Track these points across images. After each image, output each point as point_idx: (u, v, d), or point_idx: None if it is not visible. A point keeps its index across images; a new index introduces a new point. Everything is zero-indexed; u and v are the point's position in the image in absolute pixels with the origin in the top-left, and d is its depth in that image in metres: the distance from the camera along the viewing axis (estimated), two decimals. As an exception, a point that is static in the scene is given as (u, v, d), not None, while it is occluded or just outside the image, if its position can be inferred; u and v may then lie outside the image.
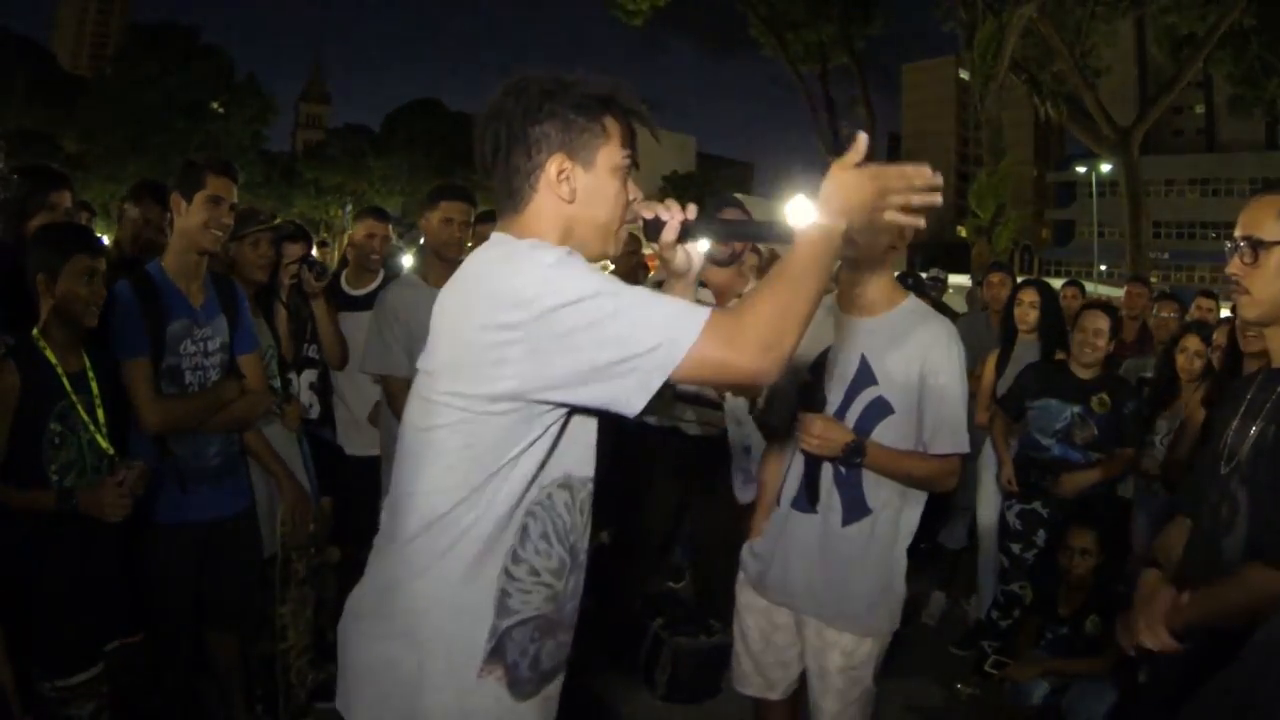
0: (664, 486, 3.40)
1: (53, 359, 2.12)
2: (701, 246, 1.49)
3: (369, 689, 1.29)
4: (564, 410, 1.24)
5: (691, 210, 1.42)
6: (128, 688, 2.28)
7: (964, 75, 20.10)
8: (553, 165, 1.27)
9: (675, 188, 46.35)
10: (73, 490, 2.09)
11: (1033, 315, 3.99)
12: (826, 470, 2.09)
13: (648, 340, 1.13)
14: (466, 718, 1.26)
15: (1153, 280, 20.70)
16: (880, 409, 2.05)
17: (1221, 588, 1.52)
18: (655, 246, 1.44)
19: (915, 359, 2.02)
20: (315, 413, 3.34)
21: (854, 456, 2.00)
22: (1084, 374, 3.51)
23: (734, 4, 22.40)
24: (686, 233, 1.41)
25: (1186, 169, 47.27)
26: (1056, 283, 5.42)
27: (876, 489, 2.07)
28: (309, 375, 3.32)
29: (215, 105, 37.22)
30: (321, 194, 43.27)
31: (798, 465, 2.16)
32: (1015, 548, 3.60)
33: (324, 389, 3.40)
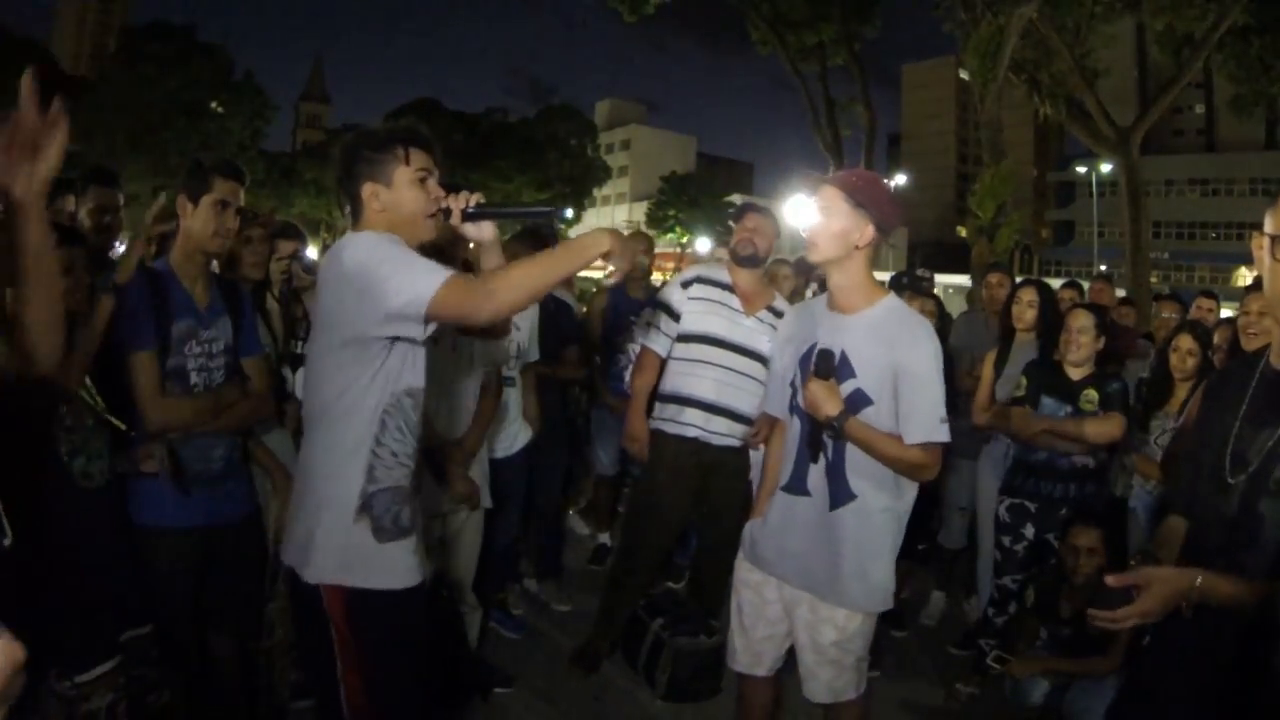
0: (681, 493, 3.41)
1: None
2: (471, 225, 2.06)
3: (296, 538, 1.88)
4: (387, 345, 1.79)
5: (475, 198, 2.00)
6: (140, 679, 2.29)
7: (964, 75, 20.09)
8: (366, 189, 1.87)
9: (675, 187, 46.37)
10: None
11: (1030, 314, 3.99)
12: (819, 458, 2.27)
13: (406, 290, 1.69)
14: (346, 549, 1.81)
15: (1153, 280, 20.73)
16: (860, 400, 2.18)
17: (1249, 590, 1.45)
18: (456, 226, 2.01)
19: (889, 354, 2.17)
20: None
21: (830, 430, 2.17)
22: (1074, 374, 3.51)
23: (734, 4, 22.40)
24: (468, 215, 1.98)
25: (1186, 169, 47.27)
26: (1056, 283, 5.41)
27: (858, 476, 2.22)
28: (304, 372, 3.33)
29: (214, 105, 37.21)
30: (321, 194, 43.24)
31: (790, 448, 2.35)
32: (1005, 540, 3.62)
33: None
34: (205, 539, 2.48)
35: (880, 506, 2.23)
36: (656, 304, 3.51)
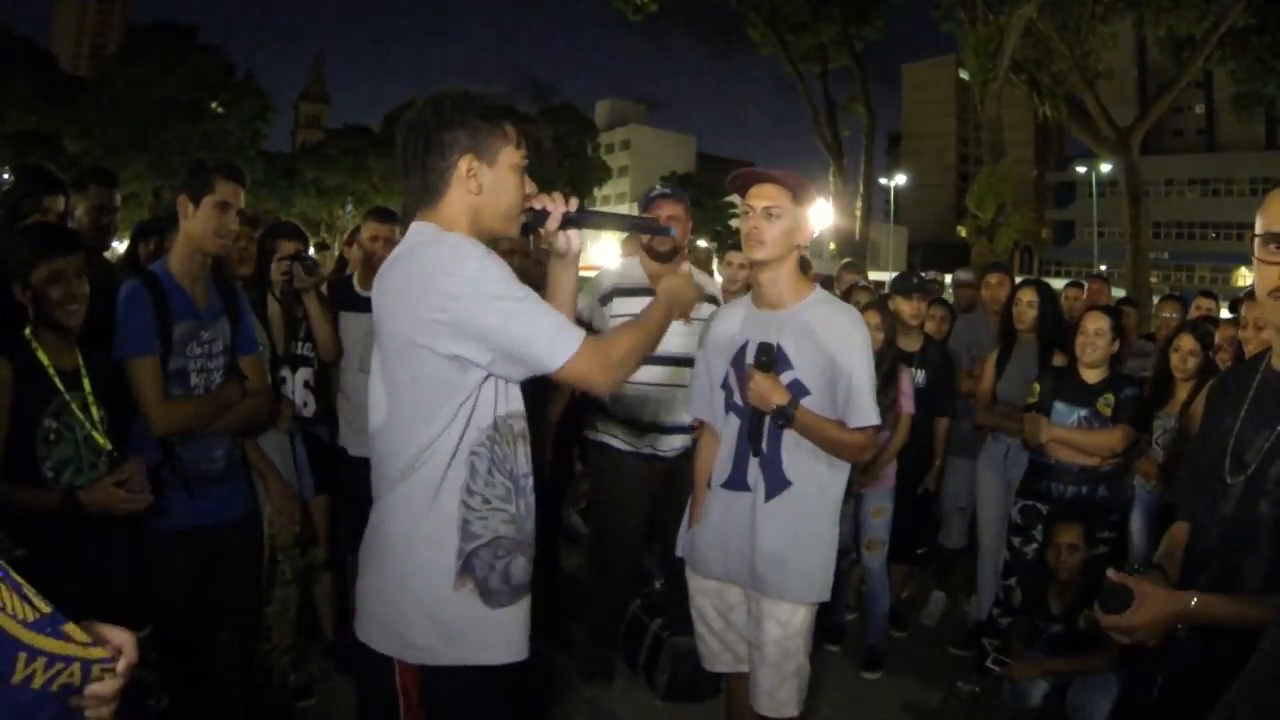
0: (637, 502, 3.40)
1: (44, 359, 2.12)
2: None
3: (374, 611, 1.57)
4: (484, 373, 1.53)
5: (573, 203, 1.70)
6: (137, 683, 2.28)
7: (964, 75, 20.10)
8: (463, 163, 1.54)
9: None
10: (74, 490, 2.09)
11: (1031, 315, 3.98)
12: (760, 450, 2.29)
13: (539, 345, 1.47)
14: (447, 625, 1.51)
15: (1153, 280, 20.71)
16: (798, 390, 2.24)
17: (1250, 607, 1.40)
18: (543, 231, 1.71)
19: (824, 344, 2.23)
20: (310, 410, 3.35)
21: (782, 417, 2.19)
22: (1090, 377, 3.50)
23: (735, 4, 22.40)
24: (566, 221, 1.68)
25: (1186, 169, 47.28)
26: (1058, 283, 5.40)
27: (794, 464, 2.27)
28: (304, 373, 3.33)
29: (214, 105, 37.21)
30: (322, 194, 43.26)
31: (728, 446, 2.37)
32: (1016, 541, 3.61)
33: (319, 386, 3.41)
34: (206, 539, 2.48)
35: (815, 492, 2.29)
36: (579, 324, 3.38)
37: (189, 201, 2.38)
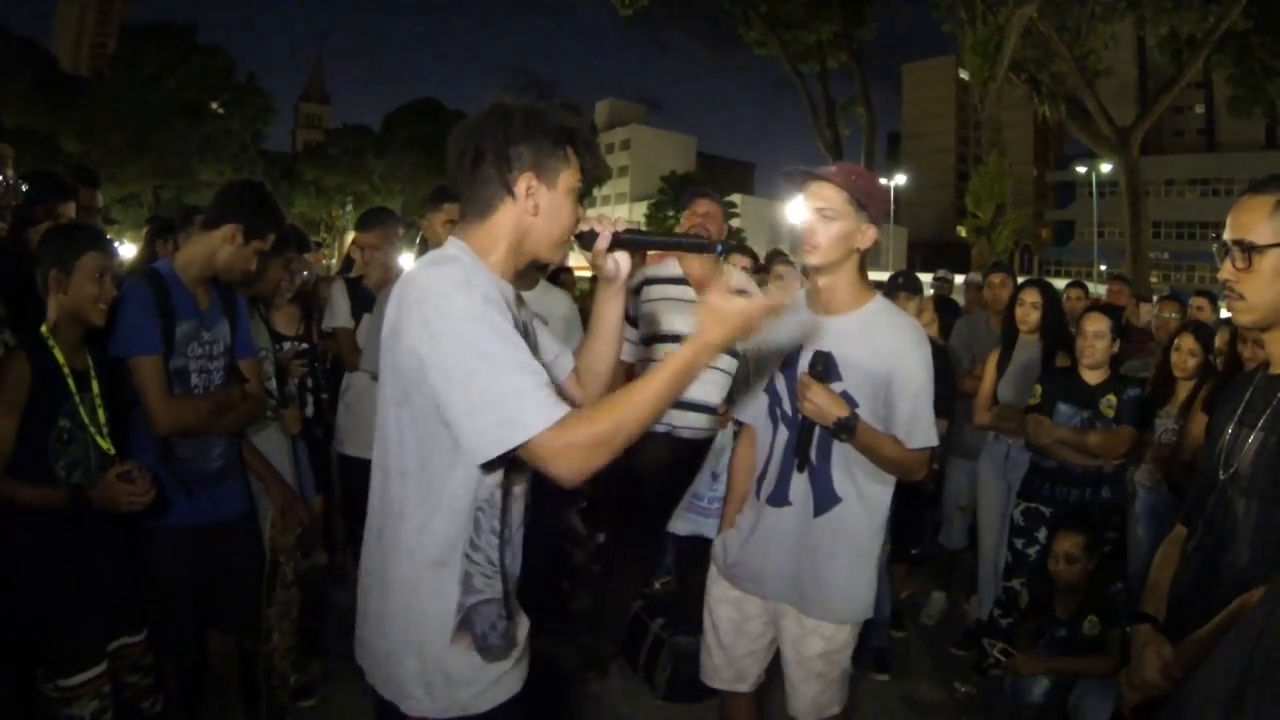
0: (656, 488, 3.38)
1: (60, 357, 2.13)
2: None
3: (373, 650, 1.52)
4: None
5: (621, 224, 1.62)
6: (130, 687, 2.28)
7: (964, 75, 20.12)
8: (523, 182, 1.46)
9: (675, 188, 46.38)
10: (82, 487, 2.09)
11: (1034, 315, 3.98)
12: (804, 468, 2.18)
13: (497, 414, 1.30)
14: (446, 678, 1.47)
15: (1153, 280, 20.75)
16: (846, 402, 2.09)
17: (1214, 630, 1.42)
18: (587, 255, 1.62)
19: (881, 358, 2.08)
20: (310, 411, 3.36)
21: (843, 432, 2.05)
22: (1092, 379, 3.51)
23: (735, 4, 22.41)
24: (615, 243, 1.60)
25: (1186, 169, 47.30)
26: (1059, 283, 5.40)
27: (845, 480, 2.15)
28: (302, 374, 3.34)
29: (215, 105, 37.20)
30: (321, 194, 43.28)
31: (775, 461, 2.22)
32: (1019, 543, 3.61)
33: (314, 386, 3.42)
34: (204, 538, 2.48)
35: (864, 509, 2.17)
36: None
37: (240, 233, 2.43)
